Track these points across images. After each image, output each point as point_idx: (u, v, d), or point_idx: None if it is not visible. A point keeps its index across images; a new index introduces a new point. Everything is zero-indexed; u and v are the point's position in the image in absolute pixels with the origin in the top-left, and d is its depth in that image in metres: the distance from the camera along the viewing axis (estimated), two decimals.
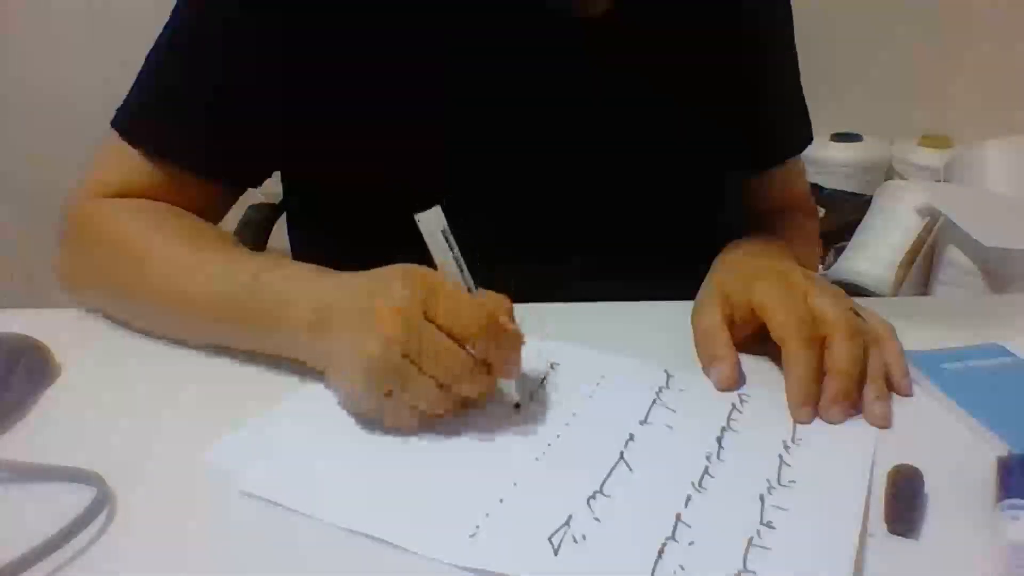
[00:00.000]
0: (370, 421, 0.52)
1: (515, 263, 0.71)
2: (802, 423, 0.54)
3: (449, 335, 0.49)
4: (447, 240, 0.51)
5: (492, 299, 0.52)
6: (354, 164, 0.69)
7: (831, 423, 0.54)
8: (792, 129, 0.86)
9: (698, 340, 0.61)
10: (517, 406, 0.54)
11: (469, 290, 0.52)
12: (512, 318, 0.52)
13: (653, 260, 0.71)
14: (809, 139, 0.87)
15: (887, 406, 0.55)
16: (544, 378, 0.58)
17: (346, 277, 0.55)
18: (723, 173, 0.80)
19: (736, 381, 0.58)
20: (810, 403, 0.54)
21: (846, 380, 0.54)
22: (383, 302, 0.49)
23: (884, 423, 0.54)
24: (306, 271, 0.58)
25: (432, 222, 0.51)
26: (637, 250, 0.72)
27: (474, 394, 0.51)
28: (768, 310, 0.58)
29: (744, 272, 0.63)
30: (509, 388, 0.53)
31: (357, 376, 0.50)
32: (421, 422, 0.51)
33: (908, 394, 0.57)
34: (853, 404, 0.55)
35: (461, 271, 0.52)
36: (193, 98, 0.66)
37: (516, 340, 0.52)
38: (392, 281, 0.51)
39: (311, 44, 0.65)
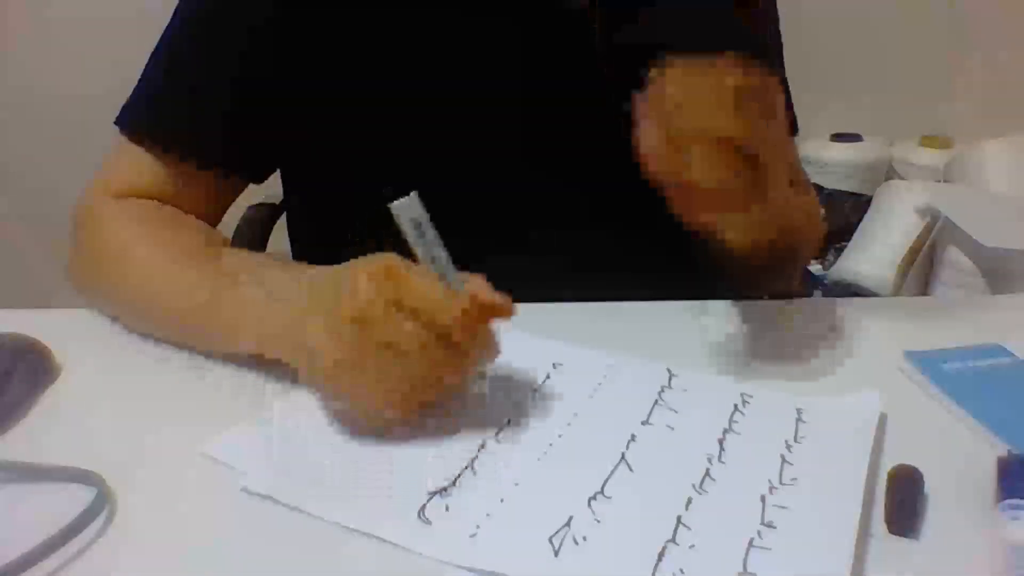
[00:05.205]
0: None
1: (510, 260, 0.71)
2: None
3: (423, 325, 0.48)
4: (424, 230, 0.48)
5: (473, 283, 0.51)
6: (354, 157, 0.69)
7: None
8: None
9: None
10: (482, 376, 0.54)
11: (450, 280, 0.50)
12: (494, 295, 0.50)
13: (646, 254, 0.71)
14: (796, 128, 0.87)
15: None
16: (547, 377, 0.58)
17: (295, 302, 0.53)
18: None
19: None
20: None
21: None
22: (340, 306, 0.49)
23: None
24: (259, 295, 0.57)
25: (408, 210, 0.48)
26: (627, 239, 0.73)
27: (457, 382, 0.51)
28: None
29: None
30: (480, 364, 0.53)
31: (324, 380, 0.51)
32: (404, 416, 0.51)
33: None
34: None
35: (441, 261, 0.49)
36: (199, 89, 0.67)
37: (492, 316, 0.50)
38: (350, 282, 0.50)
39: (315, 34, 0.66)
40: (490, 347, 0.51)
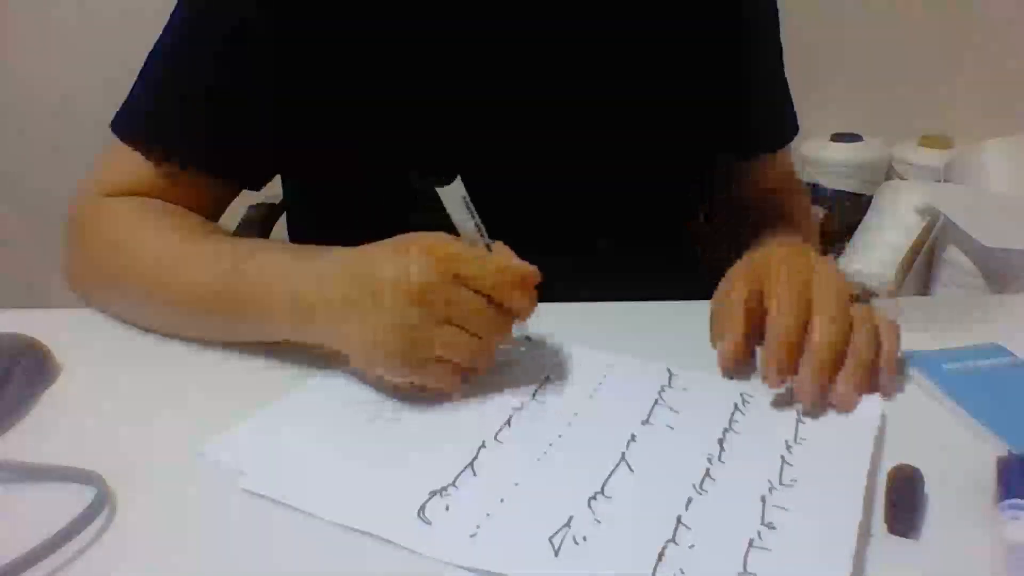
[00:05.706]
0: (369, 420, 0.52)
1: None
2: (771, 386, 0.55)
3: (481, 293, 0.52)
4: (468, 208, 0.53)
5: (502, 251, 0.55)
6: (355, 161, 0.69)
7: (804, 401, 0.54)
8: (784, 116, 0.87)
9: (711, 318, 0.62)
10: (528, 339, 0.60)
11: (488, 248, 0.55)
12: (522, 263, 0.54)
13: (643, 255, 0.72)
14: (796, 129, 0.89)
15: (854, 391, 0.55)
16: (547, 377, 0.58)
17: (324, 264, 0.55)
18: (712, 159, 0.81)
19: (735, 358, 0.58)
20: (782, 369, 0.54)
21: (822, 355, 0.54)
22: (392, 284, 0.51)
23: (845, 406, 0.54)
24: (283, 257, 0.59)
25: (455, 192, 0.53)
26: (624, 243, 0.74)
27: (506, 342, 0.56)
28: (769, 284, 0.58)
29: (766, 255, 0.63)
30: (520, 328, 0.57)
31: (385, 359, 0.52)
32: (460, 377, 0.54)
33: (887, 394, 0.56)
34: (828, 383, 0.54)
35: (482, 234, 0.54)
36: (196, 95, 0.67)
37: (532, 283, 0.54)
38: (390, 261, 0.52)
39: (314, 40, 0.66)
40: (534, 305, 0.54)
